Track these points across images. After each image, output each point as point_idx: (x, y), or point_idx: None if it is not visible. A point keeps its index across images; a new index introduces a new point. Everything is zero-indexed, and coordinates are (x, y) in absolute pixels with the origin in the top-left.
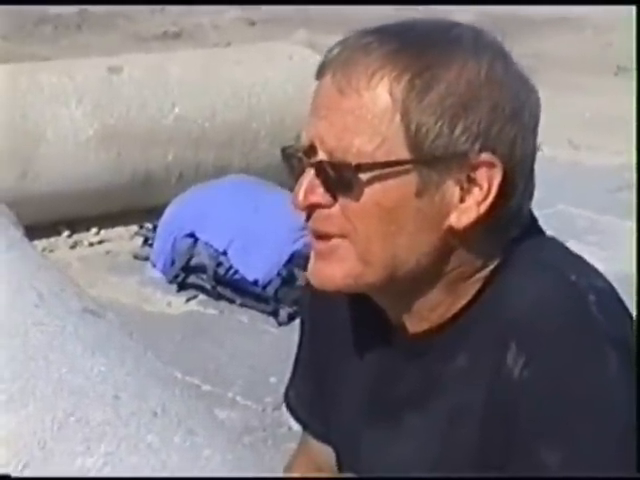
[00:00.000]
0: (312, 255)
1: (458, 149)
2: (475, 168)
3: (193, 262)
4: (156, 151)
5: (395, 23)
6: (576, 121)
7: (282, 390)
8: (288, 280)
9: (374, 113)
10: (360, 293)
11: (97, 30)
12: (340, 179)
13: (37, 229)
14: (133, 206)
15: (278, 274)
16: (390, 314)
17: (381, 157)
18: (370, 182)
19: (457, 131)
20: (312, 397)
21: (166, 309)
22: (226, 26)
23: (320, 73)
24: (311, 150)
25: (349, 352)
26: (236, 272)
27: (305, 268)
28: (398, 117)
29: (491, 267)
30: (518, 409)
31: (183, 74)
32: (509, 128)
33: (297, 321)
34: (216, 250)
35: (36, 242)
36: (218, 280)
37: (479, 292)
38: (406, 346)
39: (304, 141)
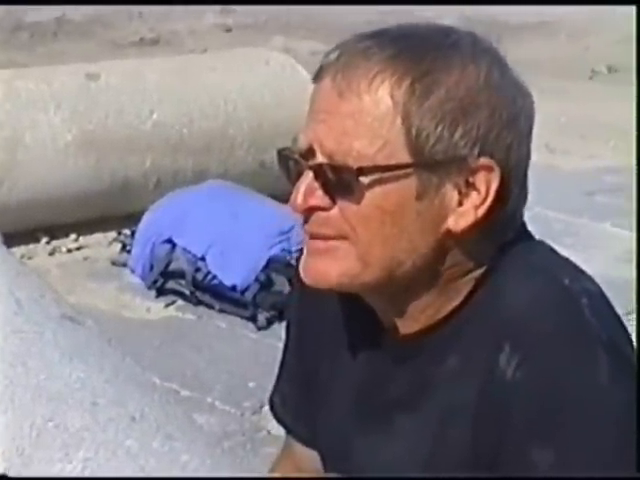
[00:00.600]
0: (305, 252)
1: (458, 153)
2: (474, 172)
3: (171, 267)
4: (134, 158)
5: (393, 27)
6: (552, 125)
7: (260, 395)
8: (266, 285)
9: (375, 116)
10: (351, 293)
11: (74, 37)
12: (340, 182)
13: (15, 236)
14: (111, 212)
15: (256, 279)
16: (381, 315)
17: (382, 160)
18: (371, 185)
19: (457, 135)
20: (298, 401)
21: (145, 315)
22: (203, 32)
23: (318, 77)
24: (309, 153)
25: (338, 354)
26: (214, 277)
27: (286, 274)
28: (399, 121)
29: (483, 269)
30: (511, 409)
31: (160, 81)
32: (506, 133)
33: (275, 325)
34: (194, 256)
35: (14, 249)
36: (196, 285)
37: (471, 293)
38: (397, 347)
39: (302, 144)
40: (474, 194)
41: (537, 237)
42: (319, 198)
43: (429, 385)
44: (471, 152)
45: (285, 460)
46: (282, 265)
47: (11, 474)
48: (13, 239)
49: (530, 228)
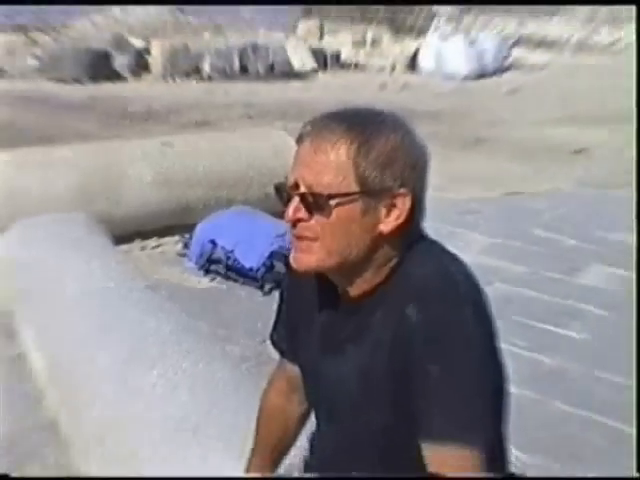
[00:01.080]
0: (293, 249)
1: (386, 185)
2: (395, 197)
3: (213, 257)
4: (191, 190)
5: (344, 109)
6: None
7: (265, 333)
8: (270, 268)
9: (337, 164)
10: (321, 273)
11: (157, 121)
12: (316, 203)
13: (119, 238)
14: (178, 223)
15: (264, 264)
16: (338, 285)
17: (342, 190)
18: (335, 205)
19: (386, 175)
20: (286, 336)
21: (197, 285)
22: (233, 118)
23: (300, 140)
24: (295, 186)
25: (311, 309)
26: (239, 263)
27: (282, 261)
28: (352, 167)
29: (398, 257)
30: (413, 340)
31: (208, 146)
32: (415, 173)
33: (275, 293)
34: (227, 250)
35: (120, 247)
36: (228, 268)
37: (392, 271)
38: (347, 305)
39: (290, 181)
40: (396, 210)
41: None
42: (302, 213)
43: (365, 329)
44: (394, 185)
45: (279, 372)
46: (280, 255)
47: (114, 385)
48: (118, 240)
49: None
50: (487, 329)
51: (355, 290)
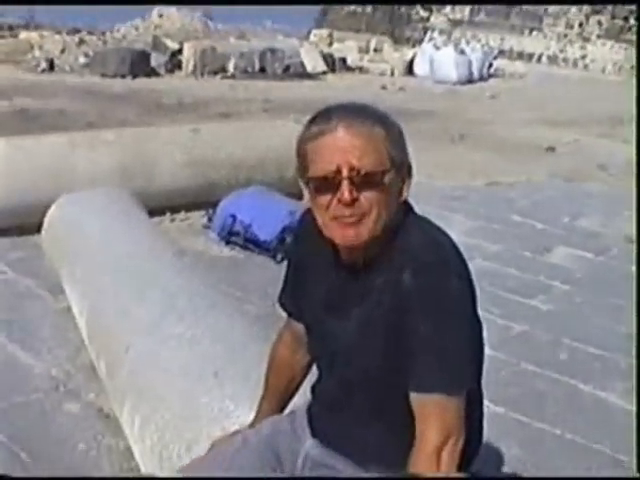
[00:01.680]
0: (341, 227)
1: (403, 159)
2: (409, 170)
3: (233, 230)
4: (215, 171)
5: (347, 104)
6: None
7: (276, 295)
8: (282, 240)
9: (375, 147)
10: (325, 243)
11: (187, 112)
12: (366, 182)
13: (152, 212)
14: (203, 200)
15: (276, 237)
16: (345, 253)
17: (383, 167)
18: (382, 181)
19: (401, 152)
20: (292, 298)
21: (219, 254)
22: (253, 111)
23: (325, 132)
24: (337, 172)
25: (315, 274)
26: (255, 235)
27: (290, 234)
28: (384, 148)
29: (399, 224)
30: (408, 302)
31: (231, 134)
32: (408, 151)
33: (285, 261)
34: (245, 224)
35: (153, 219)
36: (246, 239)
37: (390, 239)
38: (349, 270)
39: (325, 170)
40: (408, 180)
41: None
42: (354, 194)
43: (366, 292)
44: (406, 158)
45: (286, 329)
46: (290, 230)
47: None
48: (151, 214)
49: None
50: (469, 295)
51: (362, 256)
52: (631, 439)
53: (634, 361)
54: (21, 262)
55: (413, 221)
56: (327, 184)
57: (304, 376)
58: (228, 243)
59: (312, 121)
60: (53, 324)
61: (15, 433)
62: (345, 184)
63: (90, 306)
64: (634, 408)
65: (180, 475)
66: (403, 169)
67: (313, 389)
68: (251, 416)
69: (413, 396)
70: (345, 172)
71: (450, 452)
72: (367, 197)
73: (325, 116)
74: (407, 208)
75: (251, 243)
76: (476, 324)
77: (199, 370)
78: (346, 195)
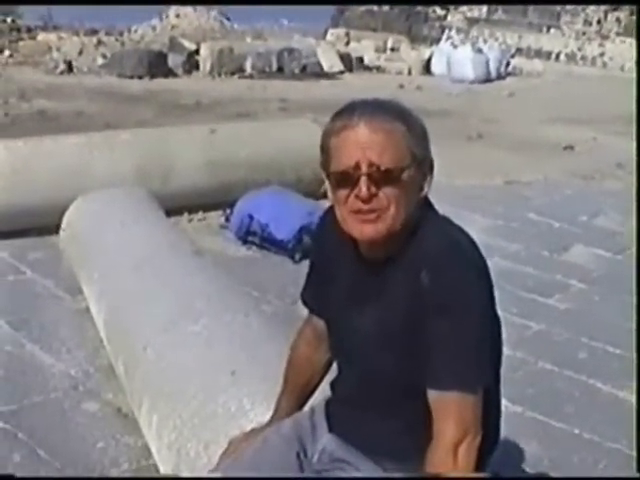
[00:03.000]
0: (359, 222)
1: (425, 155)
2: (429, 166)
3: (251, 229)
4: (233, 172)
5: (369, 100)
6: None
7: (296, 294)
8: (299, 240)
9: (396, 142)
10: (346, 239)
11: (204, 112)
12: (386, 178)
13: (169, 212)
14: (221, 200)
15: (294, 236)
16: (365, 249)
17: (403, 163)
18: (402, 177)
19: (423, 147)
20: (314, 294)
21: (236, 253)
22: (270, 111)
23: (347, 128)
24: (356, 167)
25: (336, 270)
26: (273, 235)
27: (309, 234)
28: (405, 143)
29: (417, 221)
30: (427, 301)
31: (248, 134)
32: (430, 147)
33: (304, 261)
34: (263, 223)
35: (171, 219)
36: (263, 239)
37: (409, 235)
38: (370, 266)
39: (349, 164)
40: (428, 177)
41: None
42: (373, 189)
43: (385, 288)
44: (428, 153)
45: (307, 325)
46: (308, 230)
47: (164, 334)
48: (168, 214)
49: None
50: (487, 293)
51: (381, 253)
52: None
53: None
54: (40, 263)
55: (432, 218)
56: (346, 179)
57: (324, 374)
58: (245, 243)
59: (336, 116)
60: (72, 324)
61: (35, 432)
62: (363, 180)
63: (108, 306)
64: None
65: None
66: (424, 165)
67: (332, 385)
68: (268, 415)
69: (431, 393)
70: (364, 168)
71: (467, 449)
72: (386, 193)
73: (348, 111)
74: (427, 205)
75: (268, 243)
76: (495, 322)
77: (216, 369)
78: (364, 191)
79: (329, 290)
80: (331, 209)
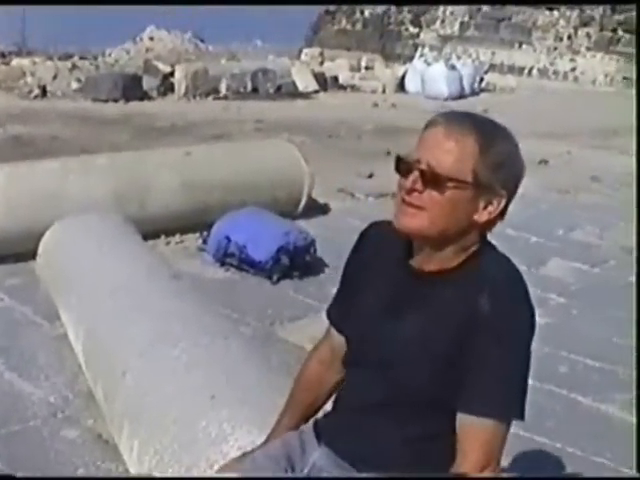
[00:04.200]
0: (399, 212)
1: (492, 184)
2: (495, 196)
3: (228, 251)
4: (209, 194)
5: (472, 113)
6: None
7: (274, 315)
8: (277, 261)
9: (461, 153)
10: (402, 244)
11: (180, 134)
12: (434, 181)
13: (147, 235)
14: (198, 222)
15: (272, 257)
16: (417, 256)
17: (458, 176)
18: (450, 187)
19: (495, 175)
20: (341, 307)
21: (214, 275)
22: (246, 132)
23: (431, 125)
24: (417, 162)
25: (380, 274)
26: (250, 256)
27: (287, 255)
28: (472, 159)
29: (477, 247)
30: (482, 324)
31: (223, 155)
32: (515, 182)
33: (281, 282)
34: (240, 245)
35: (148, 242)
36: (241, 260)
37: (468, 258)
38: (416, 277)
39: (414, 156)
40: (490, 207)
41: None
42: (419, 185)
43: (431, 301)
44: (497, 186)
45: (325, 341)
46: (285, 250)
47: (143, 359)
48: (145, 237)
49: None
50: (533, 323)
51: (431, 265)
52: (631, 451)
53: (634, 366)
54: (17, 289)
55: (491, 247)
56: (407, 167)
57: (331, 395)
58: (223, 265)
59: (438, 114)
60: (50, 351)
61: (14, 460)
62: (414, 174)
63: (86, 332)
64: (634, 408)
65: None
66: (489, 191)
67: (338, 398)
68: (249, 439)
69: (464, 415)
70: (420, 165)
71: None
72: (431, 195)
73: (445, 114)
74: (484, 237)
75: (246, 264)
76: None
77: (196, 393)
78: (409, 182)
79: (362, 299)
80: (375, 223)
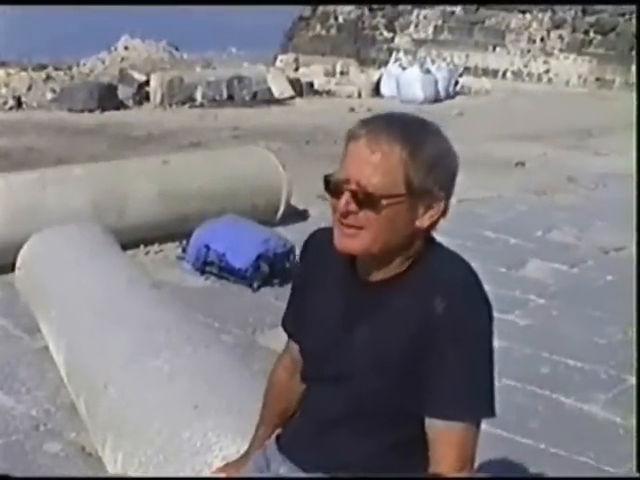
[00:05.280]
0: (338, 234)
1: (428, 187)
2: (434, 199)
3: (208, 260)
4: (188, 203)
5: (391, 113)
6: None
7: (256, 323)
8: (257, 268)
9: (390, 166)
10: (345, 258)
11: (157, 143)
12: (367, 200)
13: (126, 245)
14: (177, 231)
15: (252, 265)
16: (362, 268)
17: (391, 191)
18: (384, 204)
19: (429, 178)
20: (296, 318)
21: (193, 284)
22: (223, 139)
23: (354, 138)
24: (346, 181)
25: (329, 288)
26: (230, 264)
27: (267, 262)
28: (402, 169)
29: (422, 249)
30: (439, 328)
31: (201, 163)
32: (451, 180)
33: (262, 289)
34: (220, 253)
35: (127, 252)
36: (221, 268)
37: (413, 263)
38: (366, 288)
39: (342, 176)
40: (431, 210)
41: None
42: (352, 206)
43: (384, 309)
44: (434, 188)
45: (286, 352)
46: (265, 257)
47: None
48: (125, 247)
49: None
50: (491, 321)
51: (379, 275)
52: (614, 449)
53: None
54: None
55: (439, 248)
56: (336, 189)
57: (300, 400)
58: (203, 273)
59: (359, 122)
60: (31, 364)
61: None
62: (346, 195)
63: (67, 344)
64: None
65: None
66: (427, 196)
67: (299, 412)
68: (233, 448)
69: (433, 421)
70: (350, 185)
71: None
72: (367, 214)
73: (366, 122)
74: (432, 237)
75: (226, 272)
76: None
77: (179, 404)
78: (342, 205)
79: (314, 313)
80: (319, 230)
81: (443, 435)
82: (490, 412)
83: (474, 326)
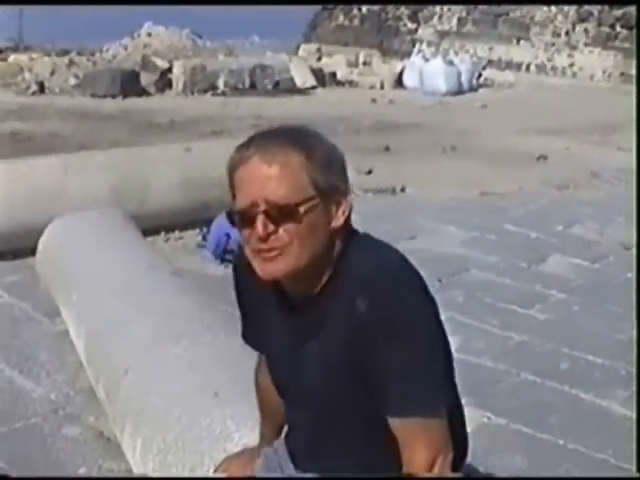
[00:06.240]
0: (259, 262)
1: (332, 185)
2: (340, 195)
3: (228, 248)
4: (208, 190)
5: (268, 130)
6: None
7: None
8: None
9: (292, 174)
10: (270, 283)
11: (179, 130)
12: (284, 214)
13: (147, 232)
14: (197, 218)
15: None
16: (290, 287)
17: (303, 196)
18: (302, 212)
19: (330, 176)
20: (252, 332)
21: (214, 272)
22: (245, 128)
23: (243, 162)
24: (252, 205)
25: (266, 311)
26: None
27: None
28: (305, 174)
29: (340, 248)
30: (365, 328)
31: (223, 152)
32: (345, 172)
33: None
34: (240, 242)
35: (147, 239)
36: None
37: (337, 264)
38: (302, 305)
39: (244, 203)
40: (342, 207)
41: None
42: (270, 227)
43: (321, 322)
44: (338, 183)
45: (260, 359)
46: None
47: (145, 356)
48: (145, 233)
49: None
50: (428, 307)
51: (309, 288)
52: (633, 447)
53: (634, 366)
54: (17, 286)
55: (357, 243)
56: (246, 218)
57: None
58: (223, 261)
59: (235, 149)
60: (51, 347)
61: (14, 458)
62: (260, 218)
63: (87, 329)
64: (634, 407)
65: None
66: (334, 193)
67: (288, 423)
68: (253, 436)
69: (393, 421)
70: (260, 206)
71: (440, 468)
72: (287, 229)
73: (246, 144)
74: (349, 230)
75: None
76: (440, 334)
77: (199, 391)
78: (259, 230)
79: (265, 337)
80: (239, 260)
81: (406, 432)
82: (444, 400)
83: (404, 318)
